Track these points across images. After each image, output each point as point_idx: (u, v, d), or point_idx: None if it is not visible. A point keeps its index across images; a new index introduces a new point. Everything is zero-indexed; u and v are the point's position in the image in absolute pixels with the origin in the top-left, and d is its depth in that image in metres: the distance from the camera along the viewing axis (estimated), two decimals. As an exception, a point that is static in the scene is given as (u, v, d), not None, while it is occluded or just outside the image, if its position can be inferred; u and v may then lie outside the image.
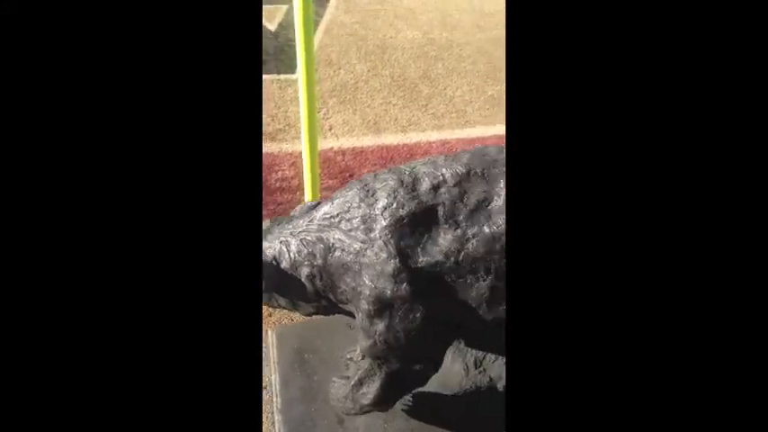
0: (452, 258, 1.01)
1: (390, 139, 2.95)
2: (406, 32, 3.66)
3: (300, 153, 1.80)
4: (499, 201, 1.01)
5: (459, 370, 1.33)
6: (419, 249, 1.02)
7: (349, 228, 1.05)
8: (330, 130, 3.05)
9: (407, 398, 1.29)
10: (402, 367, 1.12)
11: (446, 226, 1.02)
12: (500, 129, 2.98)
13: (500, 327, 1.09)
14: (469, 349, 1.35)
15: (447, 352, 1.38)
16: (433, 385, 1.33)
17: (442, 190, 1.03)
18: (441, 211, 1.03)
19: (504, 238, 1.00)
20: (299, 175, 2.27)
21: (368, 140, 2.91)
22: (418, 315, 1.04)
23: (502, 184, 1.02)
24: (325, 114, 3.17)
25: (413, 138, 2.96)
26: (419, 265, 1.02)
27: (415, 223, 1.02)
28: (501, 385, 1.30)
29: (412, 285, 1.01)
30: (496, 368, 1.32)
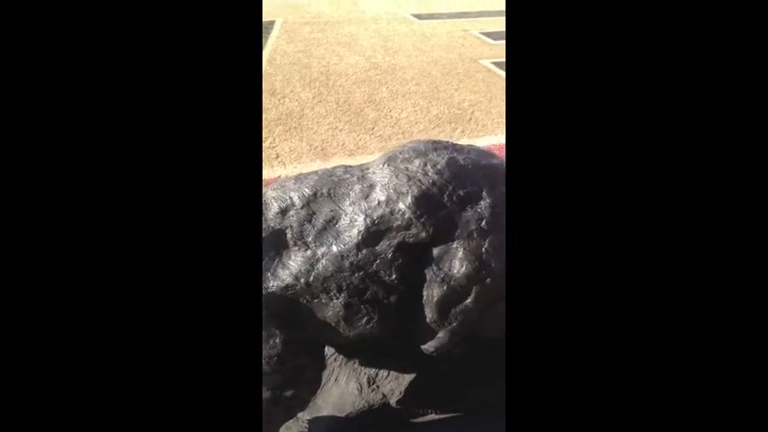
0: (302, 280, 1.02)
1: (338, 163, 2.98)
2: (349, 58, 3.72)
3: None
4: (346, 219, 1.03)
5: (353, 390, 1.32)
6: (269, 274, 1.03)
7: None
8: (277, 158, 3.08)
9: (303, 423, 1.28)
10: (274, 395, 1.11)
11: (295, 248, 1.03)
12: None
13: (366, 341, 1.09)
14: (363, 368, 1.34)
15: (341, 372, 1.38)
16: (328, 408, 1.32)
17: (291, 213, 1.04)
18: (289, 233, 1.03)
19: (351, 254, 1.01)
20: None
21: (316, 166, 2.93)
22: (278, 340, 1.04)
23: (348, 202, 1.04)
24: (271, 143, 3.20)
25: (361, 161, 3.00)
26: (271, 290, 1.02)
27: (264, 248, 1.03)
28: (393, 401, 1.29)
29: (266, 310, 1.02)
30: (388, 384, 1.31)
